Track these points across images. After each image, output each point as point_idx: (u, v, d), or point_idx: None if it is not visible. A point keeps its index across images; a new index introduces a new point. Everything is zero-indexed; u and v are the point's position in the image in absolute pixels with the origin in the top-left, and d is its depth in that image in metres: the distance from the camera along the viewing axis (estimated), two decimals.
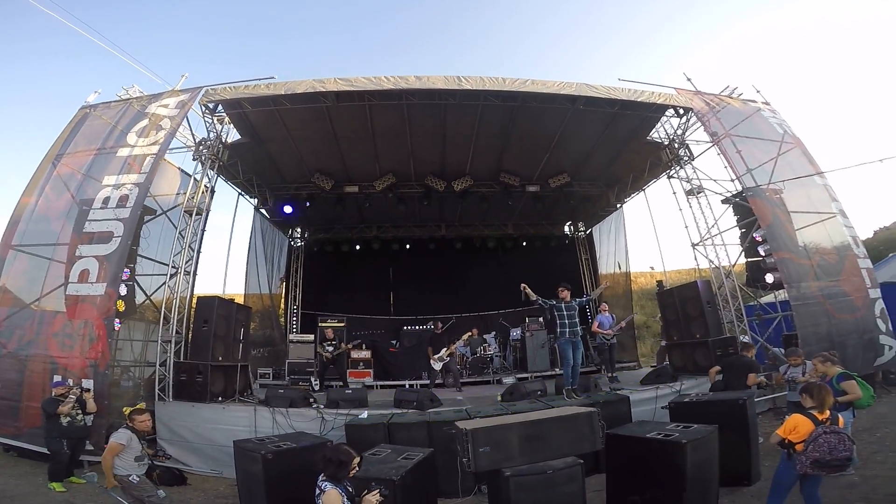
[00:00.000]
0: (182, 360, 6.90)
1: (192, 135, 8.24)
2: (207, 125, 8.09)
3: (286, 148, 9.45)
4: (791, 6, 59.25)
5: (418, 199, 11.34)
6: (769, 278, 7.80)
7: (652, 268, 16.63)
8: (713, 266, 8.54)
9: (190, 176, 8.12)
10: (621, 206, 11.97)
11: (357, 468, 2.94)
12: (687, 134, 8.84)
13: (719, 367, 6.15)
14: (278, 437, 4.80)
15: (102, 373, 5.97)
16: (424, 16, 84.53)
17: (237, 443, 4.57)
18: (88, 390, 5.69)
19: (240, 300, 9.55)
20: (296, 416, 5.88)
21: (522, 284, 6.31)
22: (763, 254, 7.92)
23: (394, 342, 11.53)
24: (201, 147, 8.07)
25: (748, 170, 7.95)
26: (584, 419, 3.81)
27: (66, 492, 5.04)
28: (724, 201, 8.67)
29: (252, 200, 10.68)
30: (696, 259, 8.84)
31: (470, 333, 9.89)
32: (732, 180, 8.26)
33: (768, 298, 9.06)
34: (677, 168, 9.05)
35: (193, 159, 8.10)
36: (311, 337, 9.97)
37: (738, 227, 8.60)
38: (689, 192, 8.82)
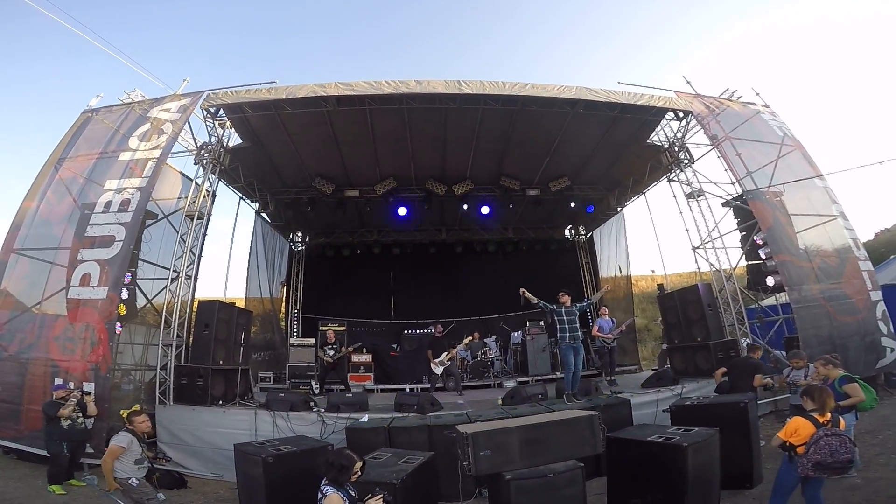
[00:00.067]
0: (183, 363, 6.90)
1: (194, 139, 8.27)
2: (209, 129, 8.12)
3: (287, 152, 9.48)
4: (791, 6, 59.49)
5: (419, 202, 11.35)
6: (770, 281, 7.79)
7: (653, 271, 16.69)
8: (714, 269, 8.53)
9: (191, 180, 8.14)
10: (622, 210, 11.98)
11: (360, 472, 2.94)
12: (687, 137, 8.86)
13: (725, 369, 6.12)
14: (279, 441, 4.80)
15: (103, 376, 5.98)
16: (424, 16, 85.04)
17: (238, 446, 4.58)
18: (89, 393, 5.70)
19: (241, 304, 9.57)
20: (296, 420, 5.87)
21: (522, 289, 6.32)
22: (764, 257, 7.91)
23: (394, 346, 11.54)
24: (203, 151, 8.09)
25: (748, 173, 7.97)
26: (585, 423, 3.82)
27: (65, 494, 5.04)
28: (724, 204, 8.67)
29: (253, 204, 10.70)
30: (696, 262, 8.85)
31: (471, 337, 9.95)
32: (733, 183, 8.26)
33: (769, 301, 9.05)
34: (677, 171, 9.06)
35: (195, 163, 8.12)
36: (312, 341, 9.94)
37: (738, 230, 8.60)
38: (689, 196, 8.82)
